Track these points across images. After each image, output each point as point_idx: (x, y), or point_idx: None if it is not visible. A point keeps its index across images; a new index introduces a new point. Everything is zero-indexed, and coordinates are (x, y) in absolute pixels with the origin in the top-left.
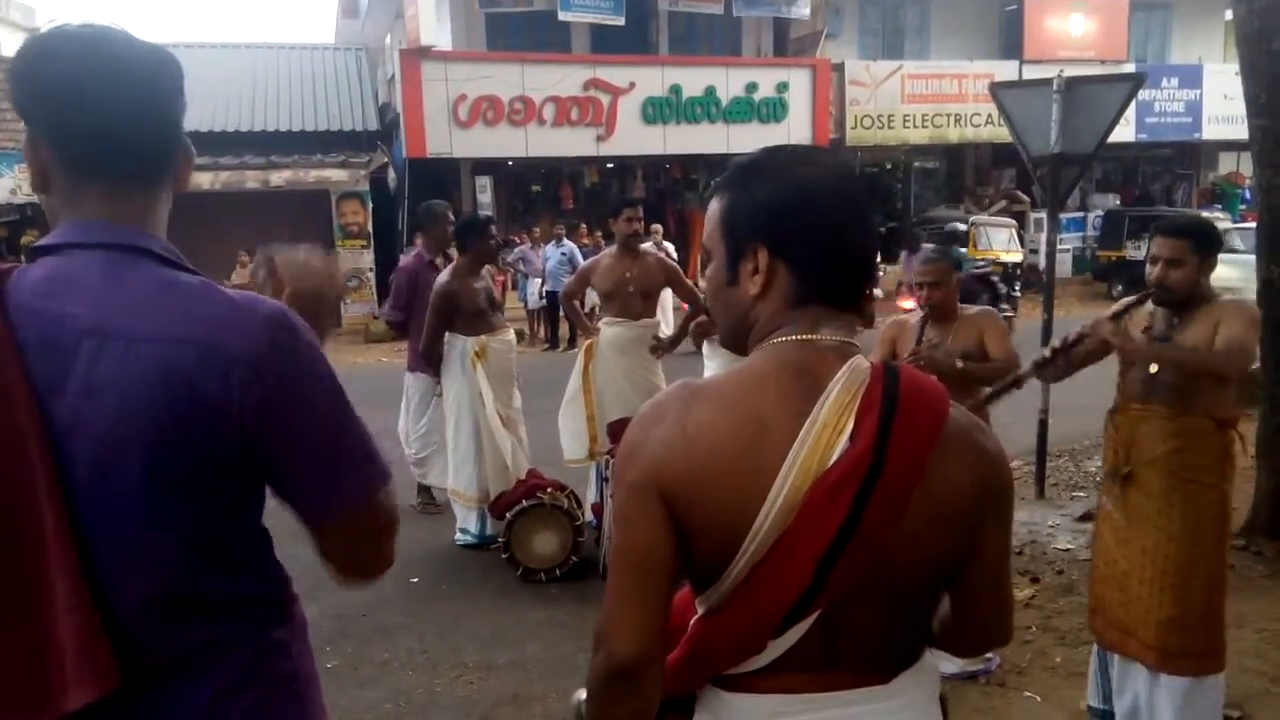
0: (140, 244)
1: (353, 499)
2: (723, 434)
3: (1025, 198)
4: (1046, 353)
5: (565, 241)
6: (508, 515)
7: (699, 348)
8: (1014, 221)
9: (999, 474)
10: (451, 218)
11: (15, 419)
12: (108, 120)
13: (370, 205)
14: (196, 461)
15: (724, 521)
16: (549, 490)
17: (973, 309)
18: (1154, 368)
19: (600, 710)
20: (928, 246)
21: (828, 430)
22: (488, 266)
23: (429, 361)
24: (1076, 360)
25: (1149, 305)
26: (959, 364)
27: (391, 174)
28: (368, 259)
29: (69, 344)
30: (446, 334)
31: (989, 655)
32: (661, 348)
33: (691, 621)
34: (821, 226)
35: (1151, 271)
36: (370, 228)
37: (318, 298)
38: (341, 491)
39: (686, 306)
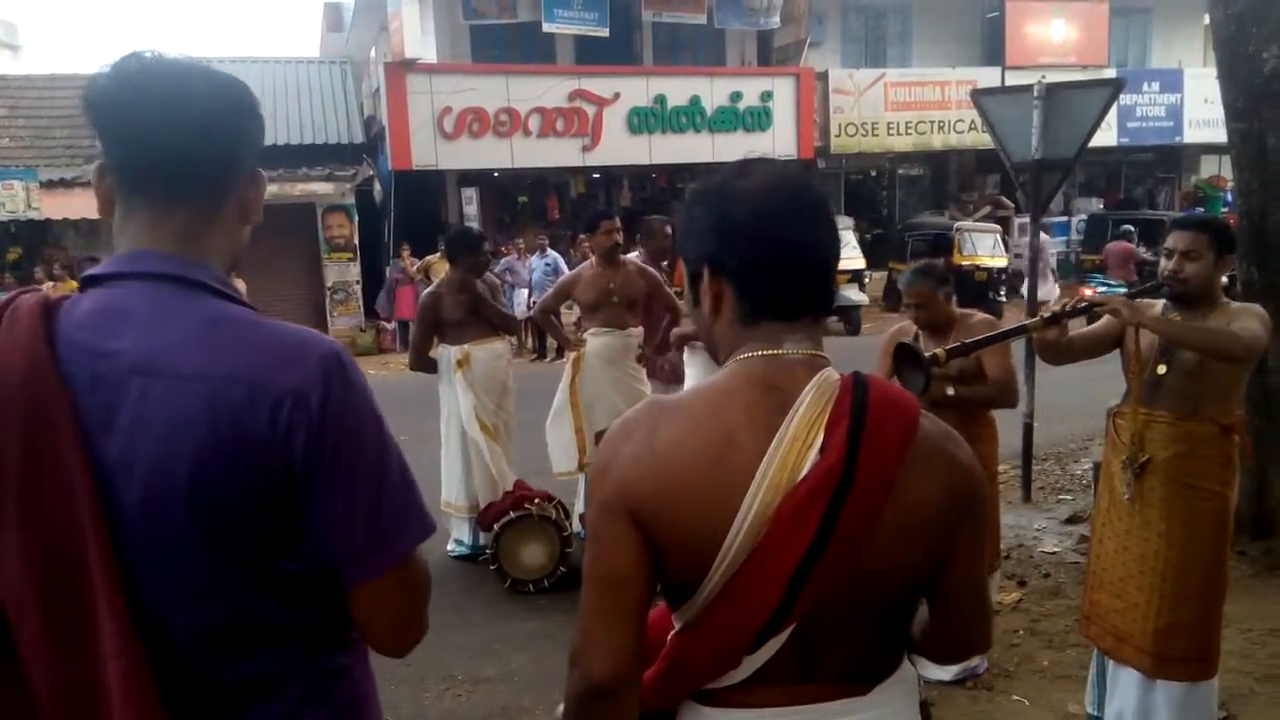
0: (191, 275)
1: (397, 552)
2: (691, 451)
3: (1009, 203)
4: (1055, 308)
5: (550, 252)
6: (495, 527)
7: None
8: (998, 227)
9: (972, 483)
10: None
11: (62, 459)
12: (158, 148)
13: (356, 218)
14: (244, 499)
15: (696, 538)
16: (536, 501)
17: (974, 316)
18: (1161, 369)
19: None
20: (916, 265)
21: (797, 444)
22: (488, 276)
23: (418, 370)
24: (1078, 345)
25: (1160, 305)
26: (949, 391)
27: (377, 186)
28: (354, 271)
29: (118, 380)
30: (439, 345)
31: (974, 661)
32: (648, 356)
33: (669, 637)
34: (752, 238)
35: (1166, 265)
36: (356, 240)
37: None
38: (386, 543)
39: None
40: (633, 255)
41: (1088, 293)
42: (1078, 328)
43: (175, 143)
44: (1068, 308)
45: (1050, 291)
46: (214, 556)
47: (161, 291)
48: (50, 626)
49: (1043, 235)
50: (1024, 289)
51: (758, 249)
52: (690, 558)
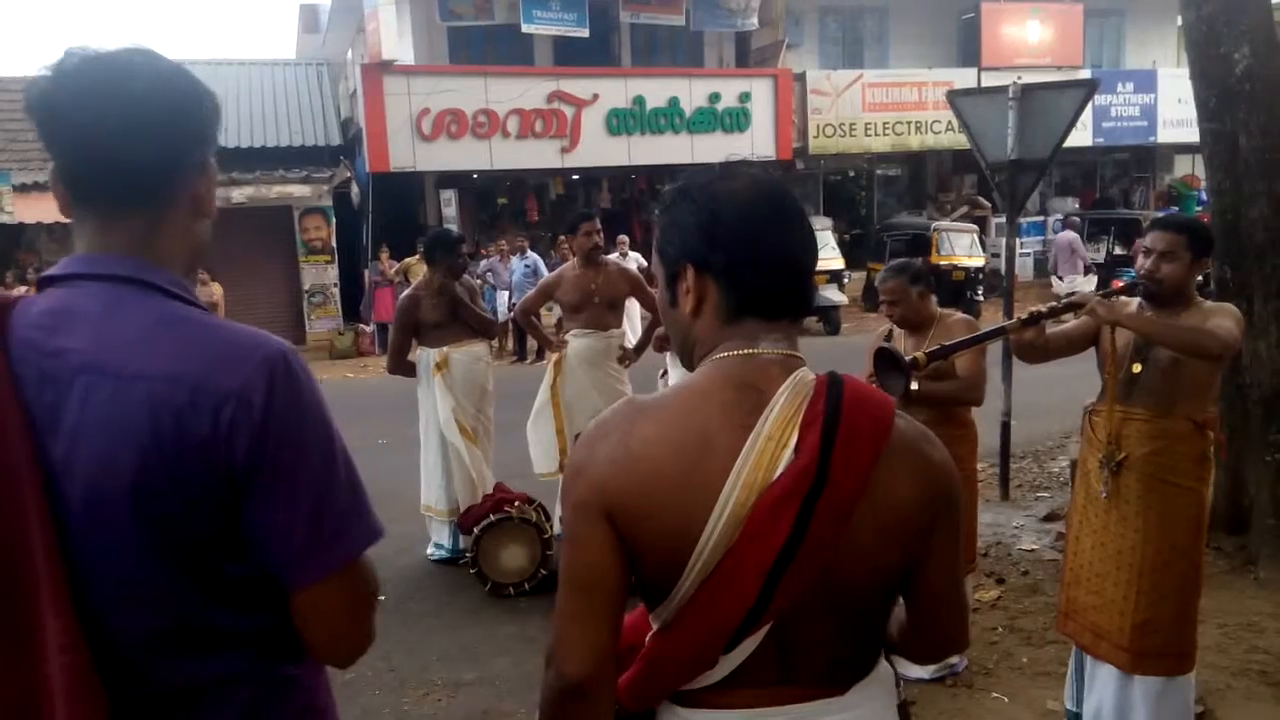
0: (143, 276)
1: (339, 557)
2: (666, 451)
3: (986, 203)
4: (1033, 310)
5: (530, 253)
6: (475, 530)
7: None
8: (975, 226)
9: (946, 483)
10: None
11: (9, 457)
12: (95, 147)
13: (334, 220)
14: (186, 501)
15: (670, 538)
16: (516, 504)
17: (953, 316)
18: (1137, 367)
19: None
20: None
21: (772, 444)
22: (466, 279)
23: (397, 374)
24: (1055, 344)
25: (1135, 304)
26: (913, 386)
27: (355, 189)
28: (332, 274)
29: (65, 380)
30: (417, 347)
31: (954, 659)
32: (628, 357)
33: (647, 638)
34: (742, 240)
35: (1143, 264)
36: (334, 243)
37: None
38: (327, 548)
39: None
40: (613, 256)
41: (1119, 285)
42: (1054, 326)
43: (115, 148)
44: (1044, 309)
45: (1088, 283)
46: (156, 559)
47: (113, 292)
48: None
49: (1068, 231)
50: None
51: (745, 247)
52: (665, 558)
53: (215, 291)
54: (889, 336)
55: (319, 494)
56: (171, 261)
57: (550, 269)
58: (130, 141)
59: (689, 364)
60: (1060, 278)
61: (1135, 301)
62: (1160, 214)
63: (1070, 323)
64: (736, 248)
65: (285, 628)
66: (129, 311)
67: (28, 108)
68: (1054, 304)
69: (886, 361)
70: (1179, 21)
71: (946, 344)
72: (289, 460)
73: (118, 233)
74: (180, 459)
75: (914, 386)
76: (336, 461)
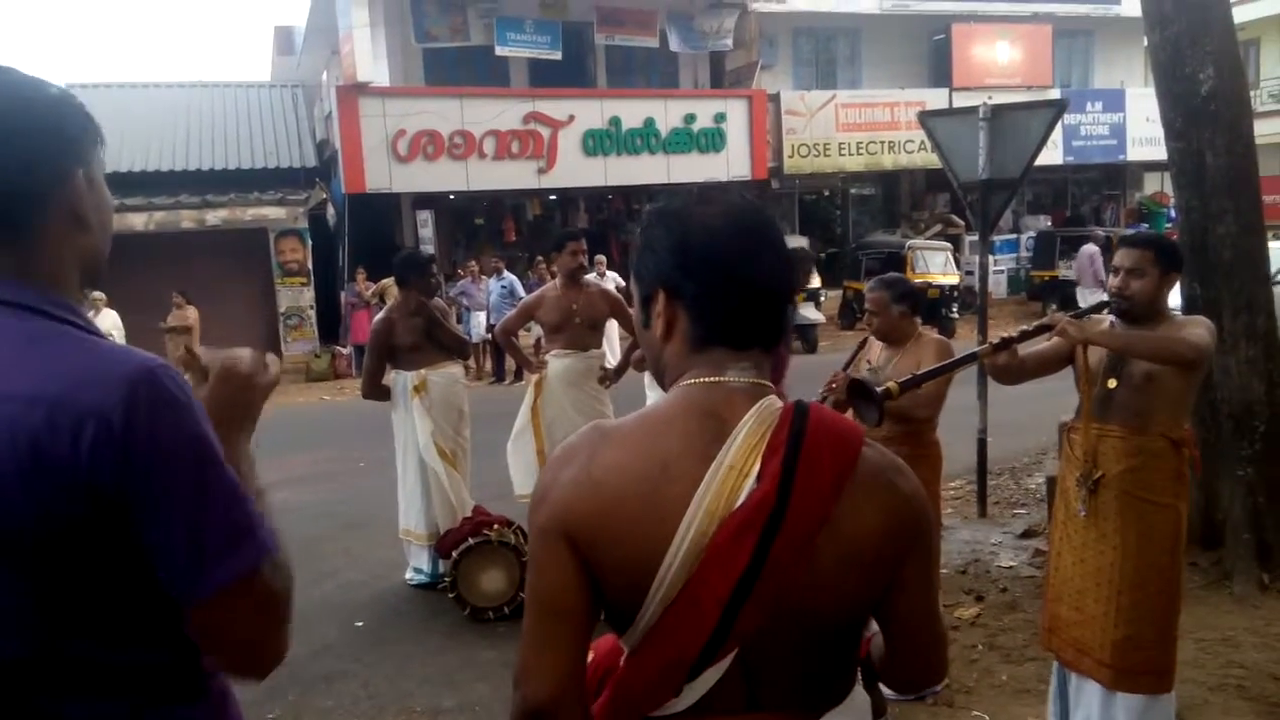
0: (8, 297)
1: (225, 575)
2: (628, 478)
3: (960, 221)
4: (1003, 335)
5: (506, 274)
6: (454, 554)
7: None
8: (949, 245)
9: (915, 514)
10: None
11: None
12: None
13: (309, 242)
14: (48, 525)
15: (632, 565)
16: (495, 526)
17: (931, 336)
18: (1112, 383)
19: None
20: (880, 279)
21: (734, 473)
22: (437, 300)
23: (371, 399)
24: (1028, 366)
25: (1107, 322)
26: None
27: (331, 210)
28: (308, 296)
29: None
30: (391, 370)
31: None
32: (609, 378)
33: (620, 663)
34: (712, 267)
35: (1113, 281)
36: (310, 265)
37: (235, 401)
38: (212, 567)
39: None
40: (591, 276)
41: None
42: (1029, 347)
43: None
44: (1016, 333)
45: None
46: (16, 584)
47: None
48: None
49: (1090, 245)
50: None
51: (715, 276)
52: (627, 584)
53: (190, 315)
54: (863, 344)
55: (195, 514)
56: (54, 279)
57: (527, 290)
58: None
59: (663, 386)
60: (1088, 291)
61: (1108, 319)
62: (1129, 231)
63: (1045, 343)
64: (706, 276)
65: (174, 664)
66: None
67: None
68: (1025, 328)
69: (859, 392)
70: (1145, 42)
71: (919, 373)
72: (159, 479)
73: None
74: (40, 485)
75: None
76: (212, 477)
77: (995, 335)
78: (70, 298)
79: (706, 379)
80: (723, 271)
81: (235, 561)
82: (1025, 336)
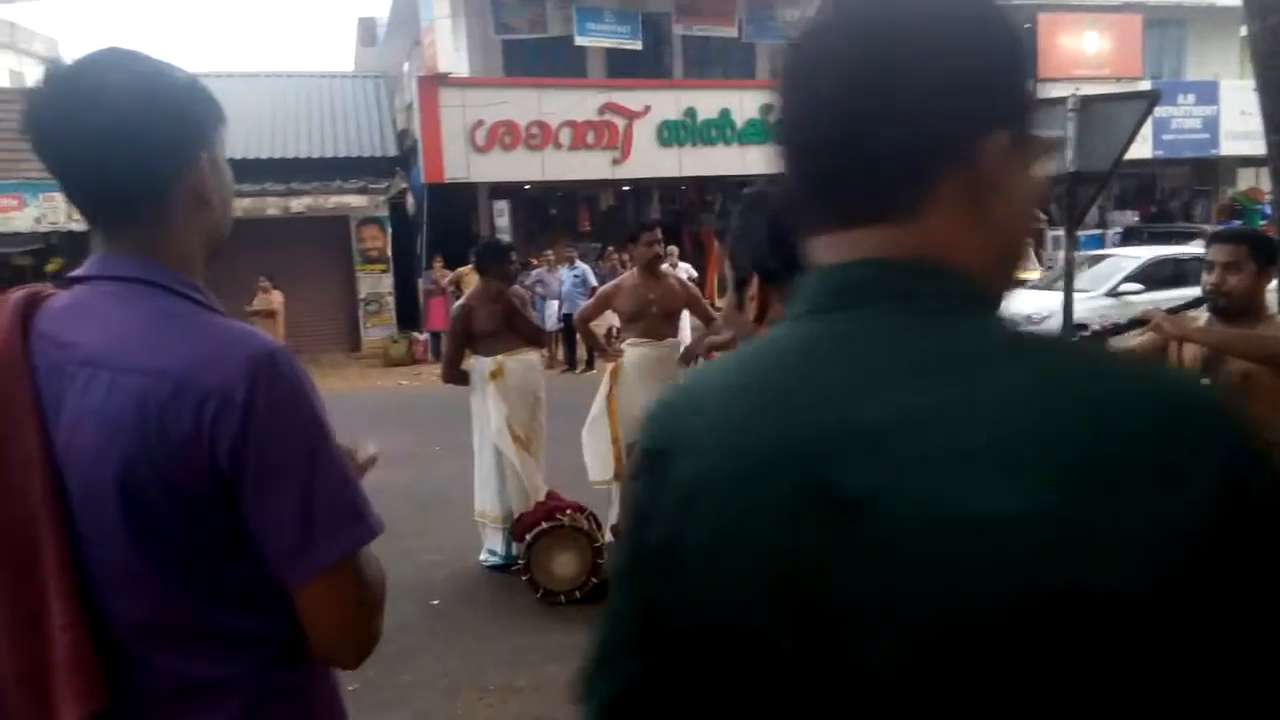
0: (144, 275)
1: (329, 556)
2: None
3: (1043, 215)
4: (1095, 328)
5: (579, 264)
6: (527, 537)
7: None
8: (1031, 239)
9: None
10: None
11: (23, 443)
12: (76, 167)
13: (389, 230)
14: (169, 497)
15: None
16: (568, 512)
17: None
18: (1205, 381)
19: None
20: None
21: None
22: (516, 288)
23: (450, 383)
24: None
25: (1203, 319)
26: None
27: (410, 199)
28: (387, 283)
29: (69, 371)
30: (471, 356)
31: None
32: (687, 360)
33: None
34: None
35: (1208, 278)
36: (389, 252)
37: None
38: (317, 547)
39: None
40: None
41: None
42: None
43: (93, 166)
44: (1109, 326)
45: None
46: (144, 550)
47: (121, 291)
48: (10, 602)
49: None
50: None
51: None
52: None
53: (275, 299)
54: None
55: (306, 493)
56: (182, 258)
57: (599, 279)
58: (109, 156)
59: None
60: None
61: (1203, 317)
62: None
63: (1136, 340)
64: (800, 262)
65: (284, 632)
66: (131, 309)
67: (22, 131)
68: (1118, 321)
69: None
70: (1243, 32)
71: None
72: (272, 459)
73: (122, 238)
74: (163, 454)
75: None
76: (323, 460)
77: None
78: (196, 276)
79: None
80: None
81: (338, 544)
82: (1117, 331)
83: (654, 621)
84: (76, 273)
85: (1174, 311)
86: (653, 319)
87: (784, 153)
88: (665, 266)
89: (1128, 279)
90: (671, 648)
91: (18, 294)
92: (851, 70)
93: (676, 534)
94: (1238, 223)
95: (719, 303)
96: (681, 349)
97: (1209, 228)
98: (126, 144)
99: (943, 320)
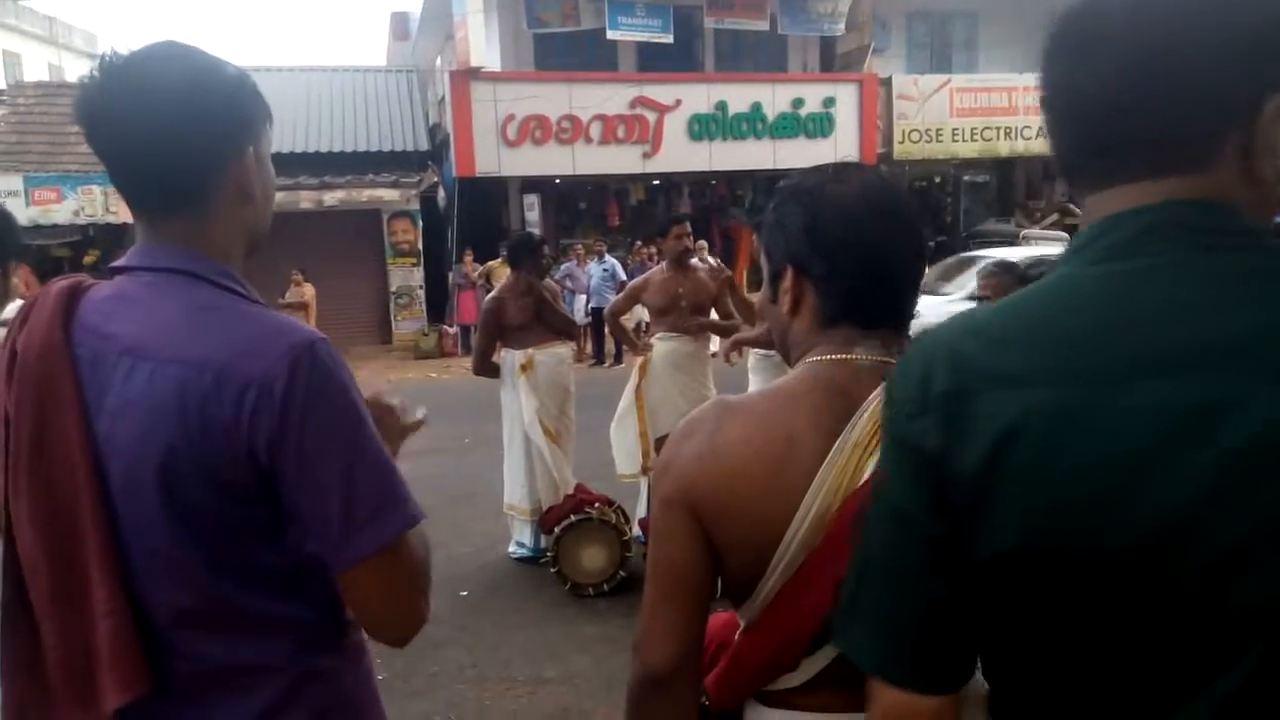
0: (189, 267)
1: (370, 544)
2: (752, 450)
3: (1078, 210)
4: None
5: (608, 258)
6: (556, 530)
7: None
8: (1066, 235)
9: None
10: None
11: (66, 433)
12: (128, 156)
13: (421, 224)
14: (210, 486)
15: (754, 538)
16: (597, 505)
17: None
18: None
19: (636, 719)
20: (990, 260)
21: (859, 450)
22: (548, 282)
23: (482, 375)
24: None
25: None
26: None
27: (441, 193)
28: (418, 276)
29: (111, 361)
30: (501, 349)
31: None
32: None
33: (736, 636)
34: (843, 246)
35: None
36: (420, 246)
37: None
38: (358, 535)
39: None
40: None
41: None
42: None
43: (145, 156)
44: None
45: None
46: (184, 538)
47: (162, 282)
48: (54, 588)
49: None
50: None
51: (845, 256)
52: (748, 557)
53: (307, 292)
54: None
55: (347, 481)
56: (224, 251)
57: (628, 274)
58: (159, 147)
59: (788, 362)
60: None
61: None
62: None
63: None
64: (835, 255)
65: (319, 617)
66: (172, 300)
67: (74, 120)
68: None
69: None
70: None
71: None
72: (312, 449)
73: (167, 229)
74: (205, 443)
75: None
76: (362, 449)
77: None
78: (238, 269)
79: (834, 356)
80: (852, 250)
81: (381, 531)
82: None
83: (950, 550)
84: (118, 263)
85: None
86: (682, 313)
87: (1063, 117)
88: (694, 260)
89: None
90: (976, 573)
91: (60, 284)
92: (1141, 43)
93: (994, 465)
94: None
95: (749, 296)
96: (711, 346)
97: None
98: (177, 135)
99: (1247, 251)
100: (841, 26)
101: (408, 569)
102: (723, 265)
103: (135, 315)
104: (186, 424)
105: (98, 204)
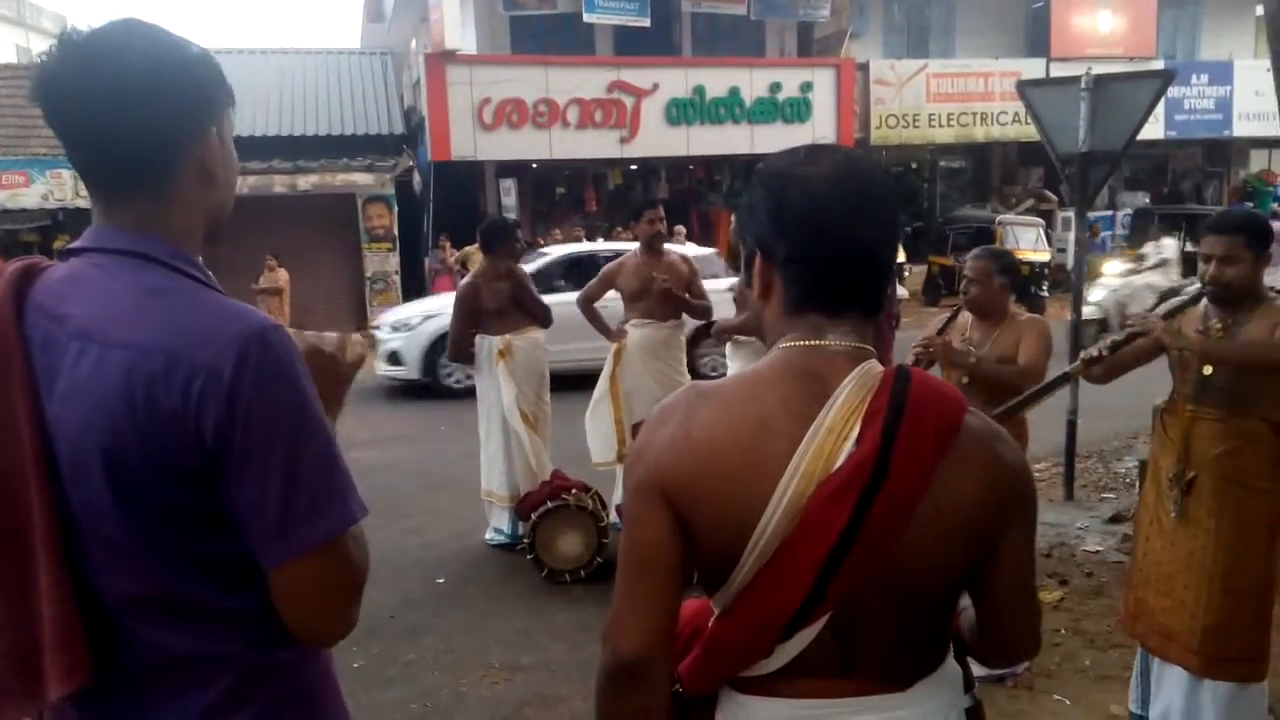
0: (137, 248)
1: (312, 537)
2: (725, 436)
3: (1053, 196)
4: (1094, 352)
5: (585, 243)
6: (533, 516)
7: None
8: (1041, 220)
9: (1018, 484)
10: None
11: (14, 416)
12: (85, 135)
13: (396, 208)
14: (157, 472)
15: (728, 524)
16: (573, 491)
17: (1025, 315)
18: (1208, 370)
19: (606, 706)
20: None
21: (832, 435)
22: (523, 267)
23: (457, 361)
24: (1122, 362)
25: (1202, 305)
26: (972, 358)
27: (416, 177)
28: (393, 262)
29: (62, 344)
30: (477, 335)
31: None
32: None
33: (709, 623)
34: (804, 231)
35: (1205, 270)
36: (396, 231)
37: (318, 381)
38: (299, 527)
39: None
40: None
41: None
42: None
43: (103, 135)
44: (1107, 347)
45: None
46: (132, 526)
47: (115, 264)
48: (0, 575)
49: None
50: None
51: (806, 241)
52: (722, 544)
53: (281, 277)
54: (955, 315)
55: (290, 472)
56: (183, 233)
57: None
58: (118, 124)
59: (768, 347)
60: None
61: (1203, 305)
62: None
63: (1137, 341)
64: (799, 240)
65: (273, 610)
66: (122, 283)
67: (32, 98)
68: (1116, 338)
69: None
70: (1258, 11)
71: (1011, 403)
72: (257, 437)
73: (124, 209)
74: (150, 427)
75: (972, 359)
76: (310, 441)
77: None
78: (195, 252)
79: (806, 342)
80: (815, 234)
81: (316, 527)
82: (1117, 348)
83: None
84: (72, 245)
85: (1173, 312)
86: (655, 298)
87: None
88: (671, 245)
89: None
90: None
91: (14, 265)
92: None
93: None
94: (1249, 205)
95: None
96: (685, 331)
97: (1219, 210)
98: (137, 112)
99: None
100: (823, 13)
101: (341, 571)
102: (690, 255)
103: (86, 298)
104: (134, 409)
105: (67, 188)
